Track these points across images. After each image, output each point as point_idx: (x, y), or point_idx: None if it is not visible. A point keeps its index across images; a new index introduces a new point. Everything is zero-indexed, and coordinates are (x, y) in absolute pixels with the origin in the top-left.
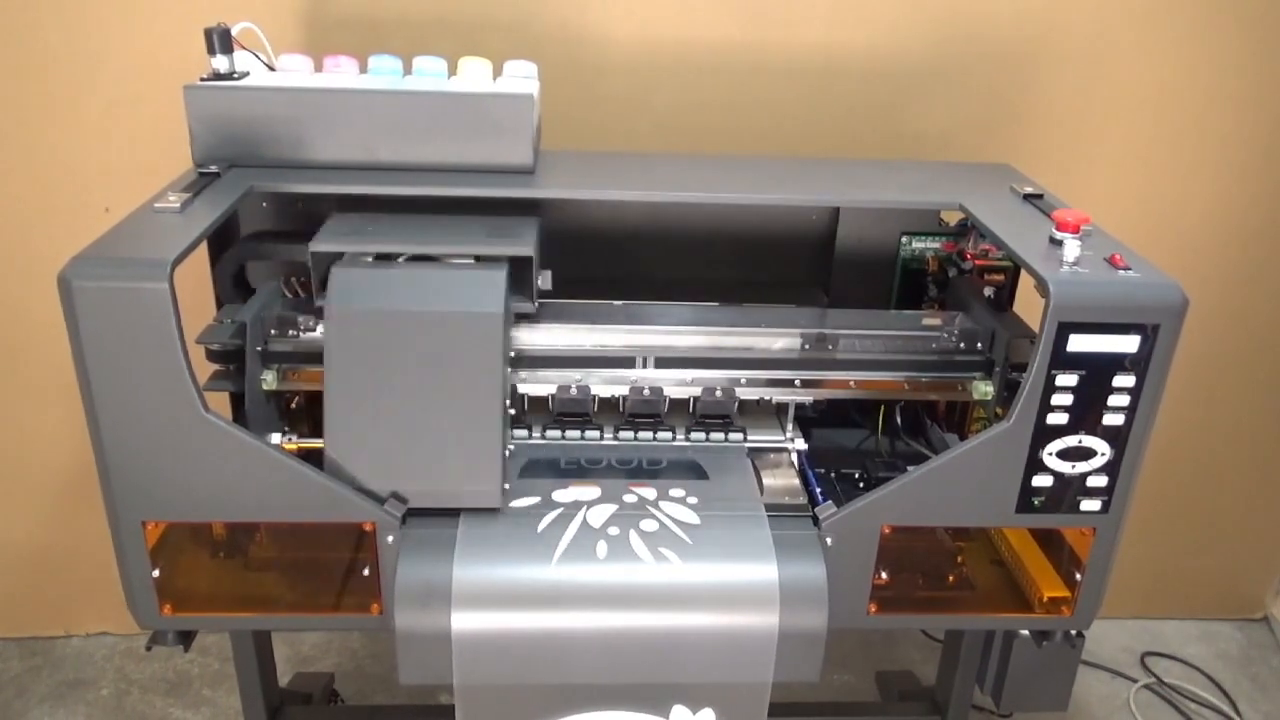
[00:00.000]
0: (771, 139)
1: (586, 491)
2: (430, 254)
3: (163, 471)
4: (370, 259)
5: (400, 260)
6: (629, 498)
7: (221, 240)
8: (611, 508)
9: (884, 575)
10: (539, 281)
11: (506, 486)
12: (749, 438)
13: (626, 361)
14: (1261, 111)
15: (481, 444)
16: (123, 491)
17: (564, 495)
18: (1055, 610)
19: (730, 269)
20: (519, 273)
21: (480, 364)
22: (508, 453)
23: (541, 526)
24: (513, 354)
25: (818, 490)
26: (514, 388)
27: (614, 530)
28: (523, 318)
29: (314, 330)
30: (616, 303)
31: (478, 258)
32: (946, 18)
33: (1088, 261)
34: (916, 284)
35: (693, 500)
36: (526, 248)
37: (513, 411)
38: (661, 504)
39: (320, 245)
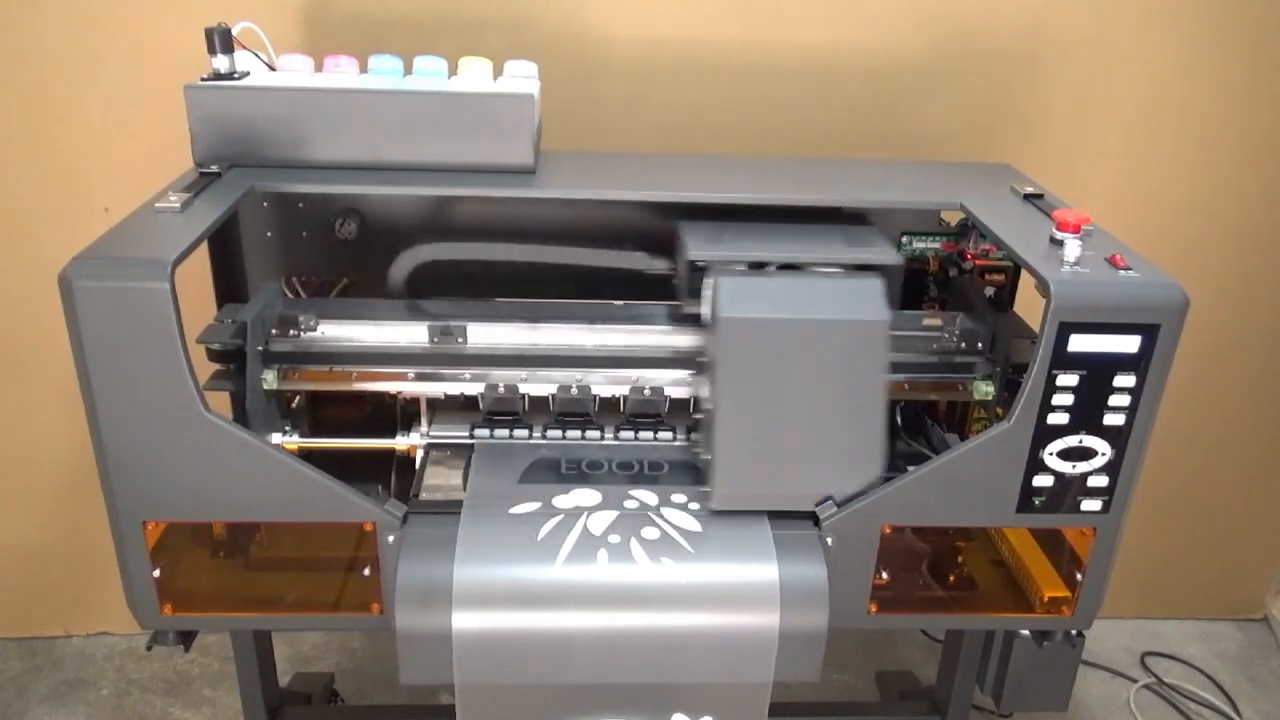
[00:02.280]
0: (771, 139)
1: (587, 497)
2: (797, 263)
3: (163, 471)
4: (743, 268)
5: (772, 269)
6: (630, 504)
7: (222, 240)
8: (612, 514)
9: (884, 575)
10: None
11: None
12: None
13: (627, 361)
14: (1261, 111)
15: (867, 447)
16: (123, 491)
17: (564, 501)
18: (1055, 610)
19: None
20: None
21: (866, 369)
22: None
23: (542, 534)
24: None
25: None
26: (514, 387)
27: (615, 538)
28: (519, 318)
29: (315, 330)
30: (617, 303)
31: (847, 266)
32: (947, 18)
33: (1088, 261)
34: (917, 284)
35: (694, 506)
36: (891, 256)
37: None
38: (663, 510)
39: (698, 253)
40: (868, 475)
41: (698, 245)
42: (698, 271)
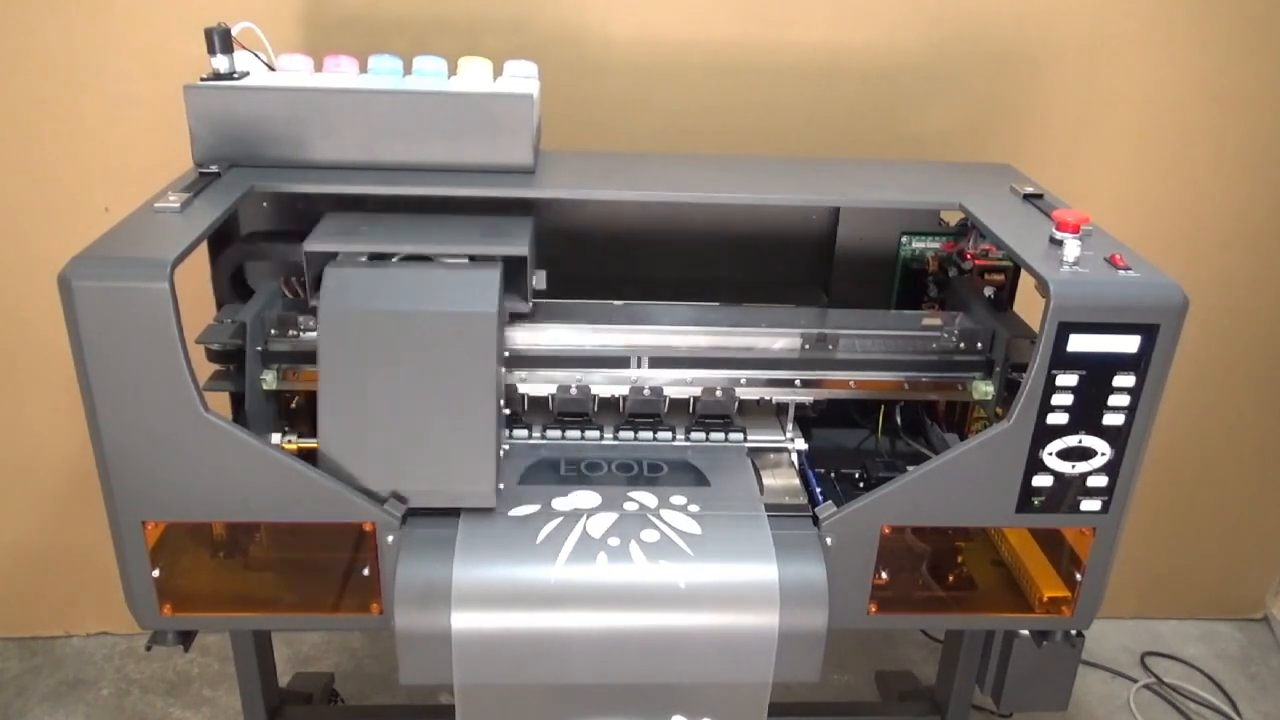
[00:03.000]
0: (771, 139)
1: (587, 499)
2: (425, 254)
3: (163, 471)
4: (364, 259)
5: (394, 260)
6: (630, 506)
7: (222, 240)
8: (612, 516)
9: (884, 575)
10: (533, 281)
11: (501, 486)
12: (749, 438)
13: (626, 361)
14: (1262, 111)
15: (475, 444)
16: (123, 491)
17: (564, 503)
18: (1055, 610)
19: (730, 269)
20: (514, 272)
21: (474, 364)
22: (502, 453)
23: (541, 536)
24: (507, 353)
25: (818, 490)
26: (514, 388)
27: (614, 540)
28: (522, 317)
29: (313, 330)
30: (617, 303)
31: (472, 257)
32: (946, 18)
33: (1088, 261)
34: (916, 284)
35: (694, 508)
36: (521, 247)
37: (508, 411)
38: (663, 512)
39: (314, 245)
40: (482, 471)
41: (320, 237)
42: (321, 263)
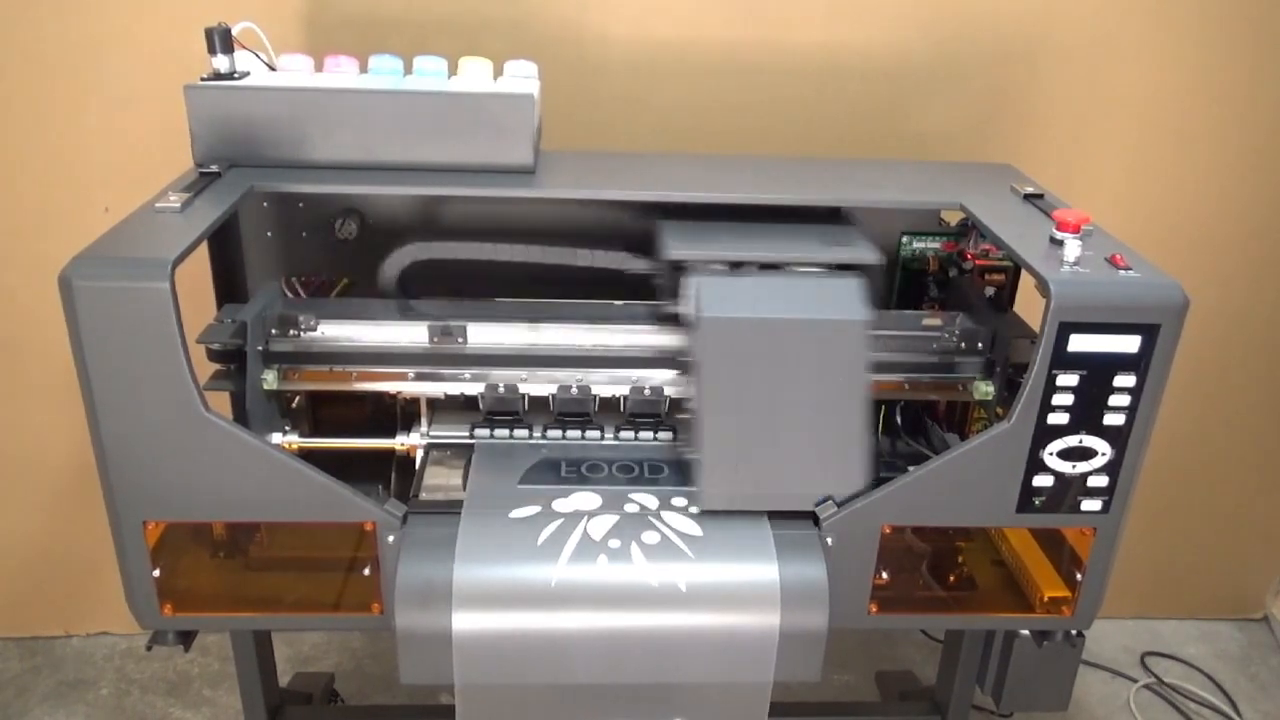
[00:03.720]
0: (771, 139)
1: (587, 500)
2: (776, 262)
3: (163, 471)
4: (722, 267)
5: (750, 269)
6: (630, 507)
7: (222, 240)
8: (613, 518)
9: (884, 575)
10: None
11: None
12: None
13: (626, 361)
14: (1262, 111)
15: (847, 445)
16: (123, 491)
17: (564, 505)
18: (1055, 610)
19: None
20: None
21: (846, 369)
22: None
23: (542, 539)
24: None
25: None
26: (514, 387)
27: (615, 542)
28: (519, 318)
29: (315, 330)
30: (616, 303)
31: (827, 266)
32: (947, 17)
33: (1088, 261)
34: (917, 284)
35: (694, 510)
36: (871, 255)
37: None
38: (663, 514)
39: (676, 252)
40: (852, 475)
41: (677, 244)
42: (677, 271)
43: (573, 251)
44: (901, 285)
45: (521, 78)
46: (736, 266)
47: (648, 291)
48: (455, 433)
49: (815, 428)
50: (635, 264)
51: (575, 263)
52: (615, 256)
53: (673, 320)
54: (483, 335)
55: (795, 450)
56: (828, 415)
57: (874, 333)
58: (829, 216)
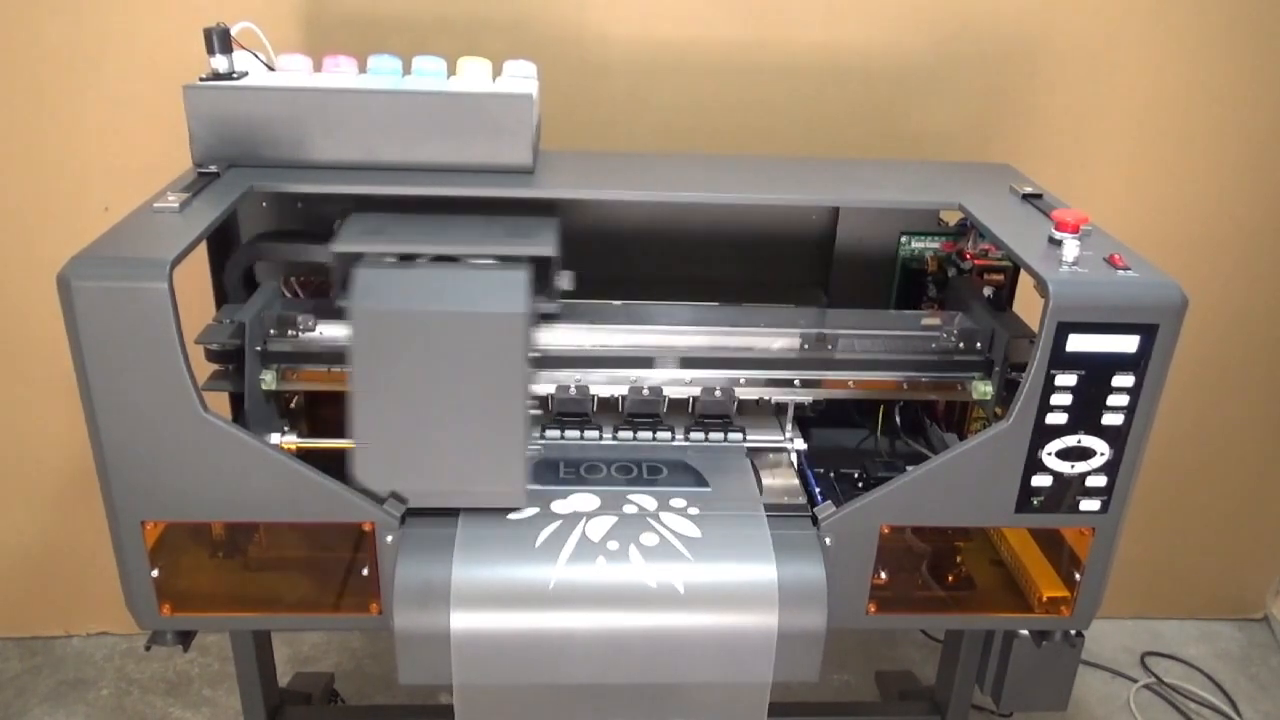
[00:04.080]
0: (771, 139)
1: (585, 501)
2: (452, 254)
3: (162, 471)
4: (392, 259)
5: (422, 261)
6: (629, 509)
7: (221, 240)
8: (611, 520)
9: (883, 575)
10: (560, 282)
11: (529, 487)
12: (748, 438)
13: (626, 361)
14: (1262, 111)
15: (504, 444)
16: (122, 491)
17: (563, 506)
18: (1055, 610)
19: (730, 269)
20: (540, 273)
21: (503, 364)
22: (530, 453)
23: (540, 540)
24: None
25: (817, 490)
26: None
27: (613, 544)
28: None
29: (313, 330)
30: (616, 302)
31: (499, 258)
32: (947, 17)
33: (1087, 261)
34: (916, 284)
35: (693, 511)
36: (547, 247)
37: (537, 411)
38: (662, 515)
39: (343, 245)
40: (510, 471)
41: (348, 238)
42: (348, 264)
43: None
44: (900, 285)
45: (521, 78)
46: (408, 259)
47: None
48: None
49: (474, 423)
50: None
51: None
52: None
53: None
54: None
55: (454, 445)
56: (487, 411)
57: (874, 332)
58: (533, 209)
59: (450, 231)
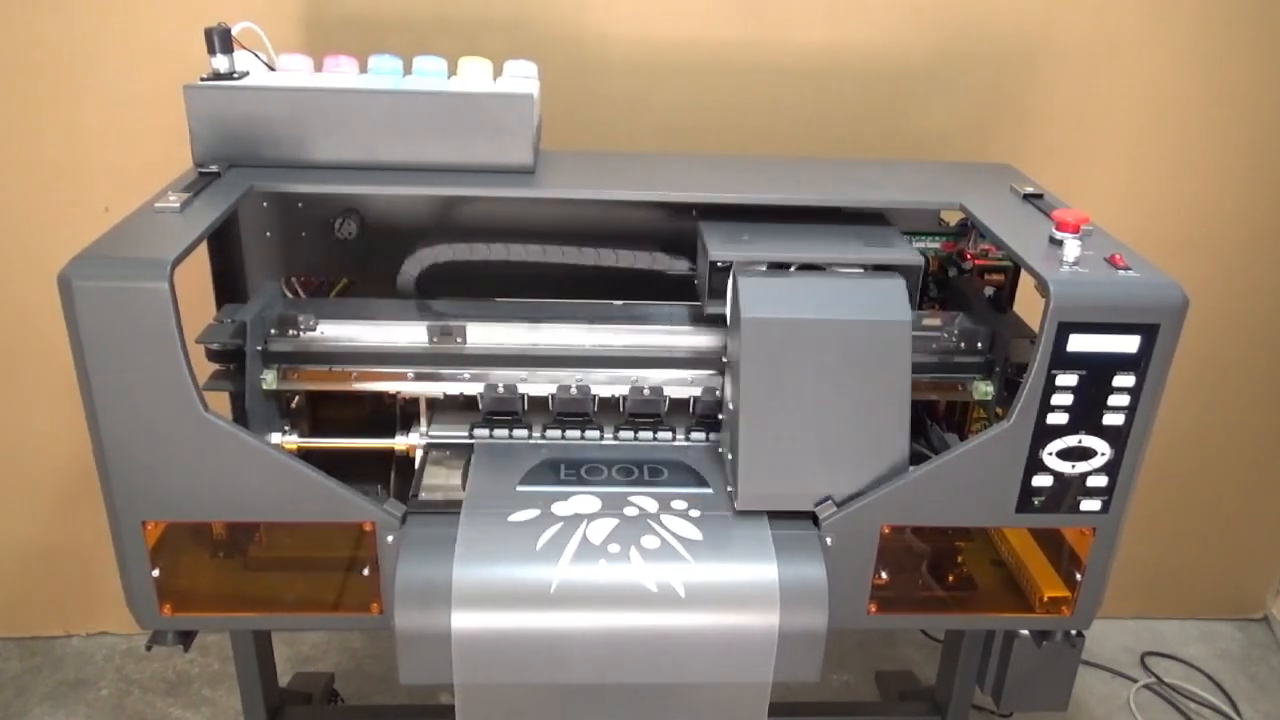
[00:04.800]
0: (771, 139)
1: (586, 503)
2: (820, 263)
3: (163, 471)
4: (763, 268)
5: (794, 270)
6: (630, 510)
7: (222, 240)
8: (612, 522)
9: (884, 575)
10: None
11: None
12: None
13: (626, 361)
14: (1262, 111)
15: (891, 447)
16: (123, 491)
17: (564, 508)
18: (1055, 610)
19: None
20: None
21: (890, 369)
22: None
23: (540, 543)
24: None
25: None
26: (514, 387)
27: (614, 547)
28: (519, 318)
29: (314, 330)
30: (616, 302)
31: (871, 267)
32: (946, 17)
33: (1088, 261)
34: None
35: (694, 513)
36: (914, 256)
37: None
38: (663, 517)
39: (718, 253)
40: (894, 475)
41: (718, 245)
42: (720, 272)
43: (608, 253)
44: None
45: (521, 78)
46: (779, 268)
47: (675, 292)
48: (455, 433)
49: (857, 429)
50: (675, 265)
51: (609, 264)
52: (652, 258)
53: (714, 321)
54: (482, 335)
55: (835, 451)
56: (870, 415)
57: None
58: (867, 218)
59: (808, 240)
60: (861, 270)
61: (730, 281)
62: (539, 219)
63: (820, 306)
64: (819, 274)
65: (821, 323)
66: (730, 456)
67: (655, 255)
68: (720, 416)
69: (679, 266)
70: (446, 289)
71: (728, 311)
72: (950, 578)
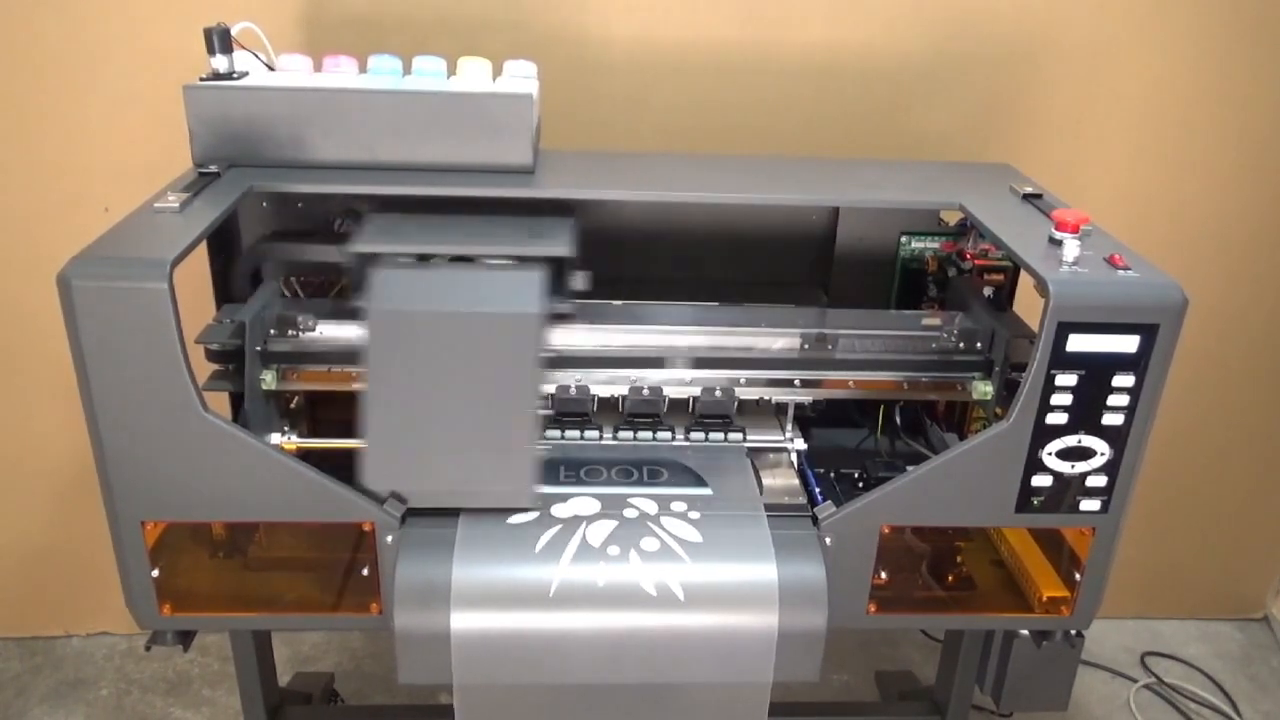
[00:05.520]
0: (771, 139)
1: (586, 505)
2: (468, 254)
3: (162, 471)
4: (409, 260)
5: (439, 261)
6: (629, 512)
7: (222, 240)
8: (611, 524)
9: (883, 575)
10: (576, 282)
11: (538, 488)
12: (748, 438)
13: (626, 361)
14: (1262, 111)
15: (513, 445)
16: (122, 491)
17: (563, 510)
18: (1055, 610)
19: (730, 269)
20: (556, 273)
21: (516, 364)
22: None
23: (540, 545)
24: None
25: (817, 490)
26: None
27: (614, 549)
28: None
29: (313, 330)
30: (616, 302)
31: (516, 258)
32: (946, 17)
33: (1087, 261)
34: (916, 284)
35: (694, 515)
36: (563, 248)
37: (548, 412)
38: (662, 519)
39: (362, 246)
40: (518, 471)
41: (368, 237)
42: (367, 264)
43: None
44: (901, 285)
45: (521, 78)
46: (425, 259)
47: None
48: None
49: (484, 423)
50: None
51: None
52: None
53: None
54: None
55: (463, 445)
56: (497, 411)
57: (874, 332)
58: (553, 209)
59: (467, 232)
60: (509, 263)
61: (373, 273)
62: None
63: (447, 298)
64: (464, 266)
65: (446, 314)
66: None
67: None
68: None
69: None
70: None
71: (365, 304)
72: (950, 578)
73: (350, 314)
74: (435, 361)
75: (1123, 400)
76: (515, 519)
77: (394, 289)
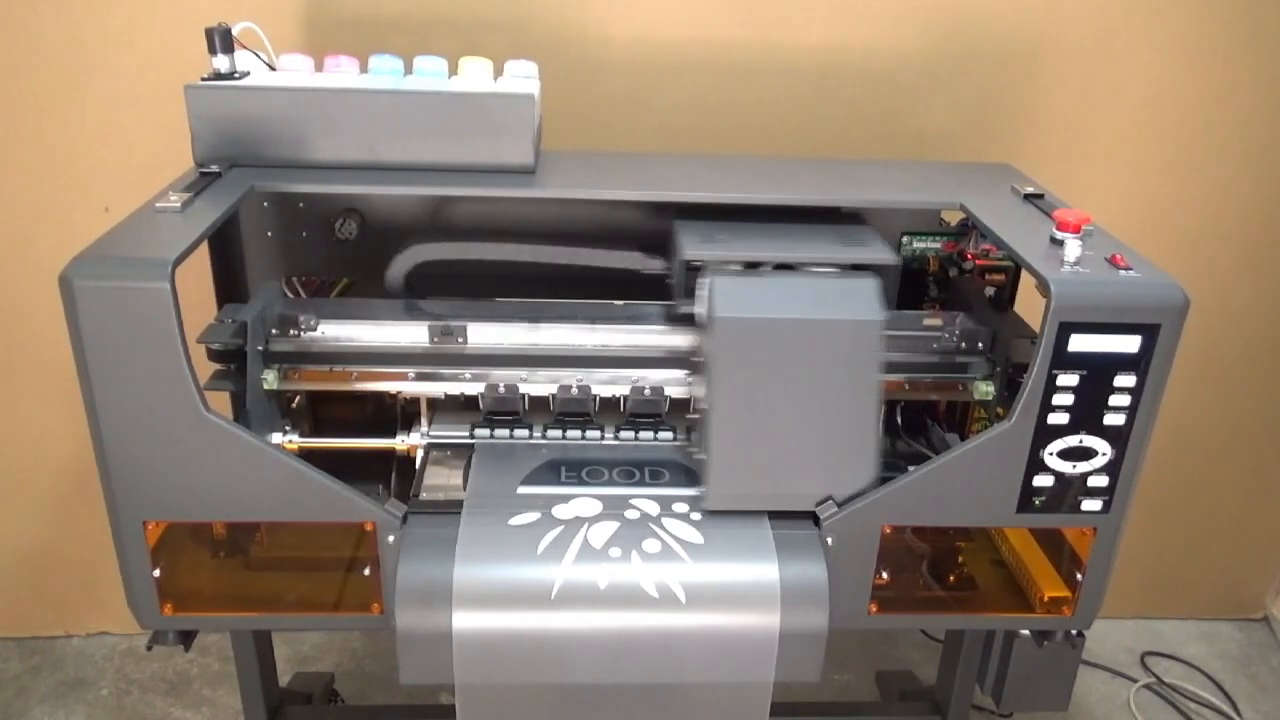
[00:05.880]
0: (772, 139)
1: (587, 506)
2: (793, 262)
3: (163, 471)
4: (737, 268)
5: (765, 269)
6: (631, 513)
7: (222, 240)
8: (613, 525)
9: (884, 575)
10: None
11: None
12: None
13: (626, 361)
14: (1262, 111)
15: (859, 446)
16: (123, 491)
17: (564, 511)
18: (1056, 610)
19: None
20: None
21: (860, 369)
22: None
23: (541, 547)
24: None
25: None
26: (515, 387)
27: (615, 551)
28: (519, 318)
29: (315, 330)
30: (617, 303)
31: (844, 266)
32: (947, 17)
33: (1089, 261)
34: (917, 284)
35: (695, 516)
36: (888, 255)
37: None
38: (664, 520)
39: (691, 253)
40: (863, 475)
41: (693, 245)
42: (693, 271)
43: (590, 252)
44: (902, 285)
45: (522, 78)
46: (752, 267)
47: (657, 291)
48: (455, 433)
49: (827, 428)
50: (651, 264)
51: (591, 263)
52: (629, 257)
53: (685, 320)
54: (483, 335)
55: (807, 451)
56: (840, 416)
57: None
58: (844, 217)
59: (784, 239)
60: (835, 270)
61: (702, 281)
62: (540, 219)
63: (791, 306)
64: (792, 274)
65: (792, 322)
66: (703, 457)
67: (632, 254)
68: (692, 417)
69: (653, 266)
70: (438, 288)
71: (700, 311)
72: (951, 578)
73: (351, 313)
74: (778, 368)
75: (1124, 400)
76: (516, 520)
77: (732, 297)
